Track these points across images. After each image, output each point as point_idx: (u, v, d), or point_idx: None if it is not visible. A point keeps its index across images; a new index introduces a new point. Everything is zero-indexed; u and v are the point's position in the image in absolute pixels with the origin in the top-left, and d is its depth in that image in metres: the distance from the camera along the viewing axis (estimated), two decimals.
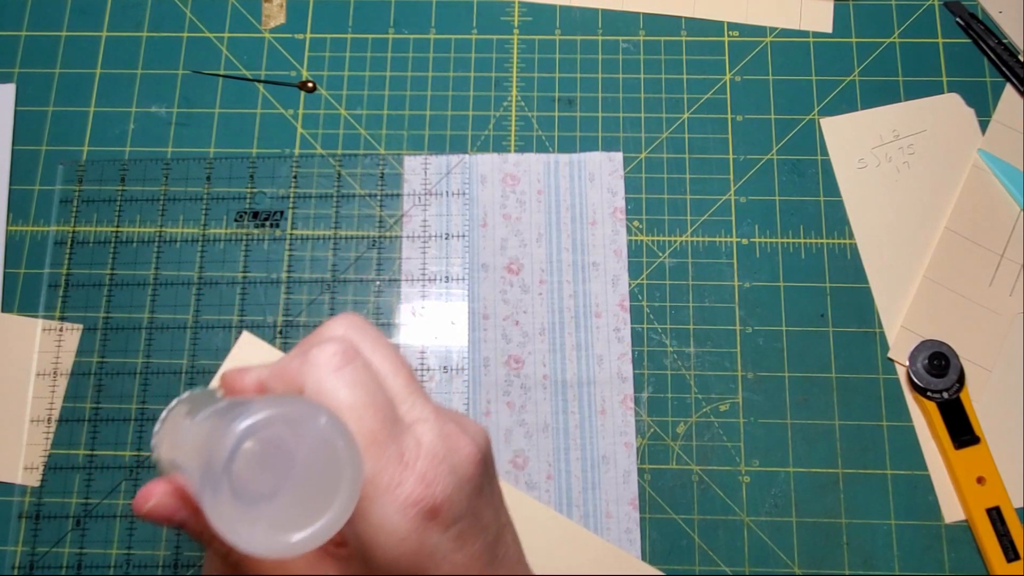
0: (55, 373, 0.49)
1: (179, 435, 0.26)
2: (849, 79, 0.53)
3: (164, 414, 0.31)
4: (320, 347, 0.25)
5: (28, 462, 0.48)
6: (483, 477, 0.26)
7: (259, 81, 0.53)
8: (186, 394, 0.32)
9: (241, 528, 0.21)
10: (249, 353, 0.36)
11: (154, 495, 0.27)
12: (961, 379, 0.47)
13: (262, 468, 0.21)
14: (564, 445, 0.47)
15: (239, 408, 0.21)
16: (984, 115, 0.52)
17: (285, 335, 0.49)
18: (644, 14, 0.54)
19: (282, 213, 0.51)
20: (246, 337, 0.36)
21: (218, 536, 0.25)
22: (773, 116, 0.52)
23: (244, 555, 0.26)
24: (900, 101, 0.52)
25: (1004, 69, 0.52)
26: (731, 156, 0.51)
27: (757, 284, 0.50)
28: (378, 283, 0.50)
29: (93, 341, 0.49)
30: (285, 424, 0.22)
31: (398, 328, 0.49)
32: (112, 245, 0.51)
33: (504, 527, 0.28)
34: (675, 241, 0.50)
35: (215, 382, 0.34)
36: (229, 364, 0.35)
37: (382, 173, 0.52)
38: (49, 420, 0.48)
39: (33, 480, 0.47)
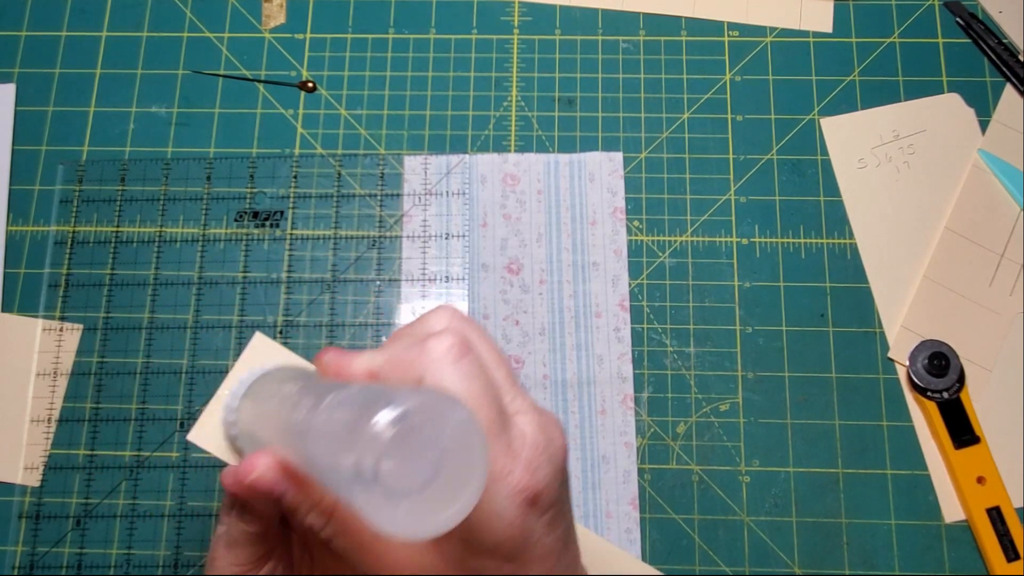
0: (55, 373, 0.49)
1: (292, 417, 0.27)
2: (849, 79, 0.53)
3: (239, 388, 0.32)
4: (437, 339, 0.27)
5: (28, 462, 0.48)
6: (567, 467, 0.28)
7: (259, 81, 0.53)
8: (258, 369, 0.33)
9: (387, 514, 0.22)
10: (262, 353, 0.36)
11: (257, 468, 0.28)
12: (961, 379, 0.47)
13: (406, 457, 0.22)
14: None
15: (383, 398, 0.22)
16: (984, 115, 0.52)
17: (285, 335, 0.49)
18: (644, 14, 0.54)
19: (282, 213, 0.51)
20: (259, 337, 0.36)
21: (312, 512, 0.27)
22: (773, 116, 0.52)
23: (340, 529, 0.28)
24: (900, 101, 0.52)
25: (1004, 69, 0.52)
26: (731, 156, 0.51)
27: (757, 284, 0.50)
28: (378, 283, 0.50)
29: (93, 341, 0.49)
30: (425, 415, 0.22)
31: (398, 328, 0.49)
32: (112, 245, 0.51)
33: (572, 514, 0.30)
34: (675, 241, 0.50)
35: (244, 368, 0.35)
36: (242, 364, 0.36)
37: (382, 173, 0.52)
38: (49, 420, 0.48)
39: (33, 480, 0.47)
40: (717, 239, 0.50)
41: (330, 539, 0.28)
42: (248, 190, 0.51)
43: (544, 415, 0.28)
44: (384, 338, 0.49)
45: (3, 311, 0.50)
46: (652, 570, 0.45)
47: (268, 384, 0.31)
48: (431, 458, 0.22)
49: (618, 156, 0.51)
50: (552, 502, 0.27)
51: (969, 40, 0.53)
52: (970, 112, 0.52)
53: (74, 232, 0.51)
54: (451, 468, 0.23)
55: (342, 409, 0.24)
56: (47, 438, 0.48)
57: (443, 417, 0.23)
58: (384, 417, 0.22)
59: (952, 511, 0.46)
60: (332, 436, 0.23)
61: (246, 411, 0.31)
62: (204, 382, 0.48)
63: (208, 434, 0.34)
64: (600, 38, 0.54)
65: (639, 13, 0.54)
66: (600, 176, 0.51)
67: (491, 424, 0.26)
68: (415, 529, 0.22)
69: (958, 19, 0.53)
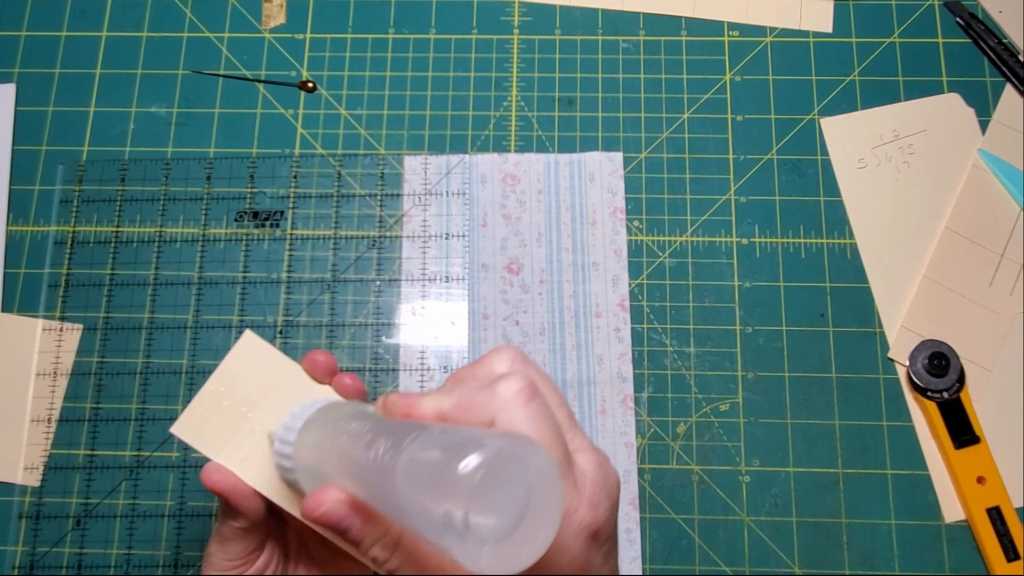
0: (55, 373, 0.49)
1: (366, 455, 0.27)
2: (849, 79, 0.53)
3: (292, 421, 0.32)
4: (506, 381, 0.28)
5: (28, 462, 0.48)
6: (619, 500, 0.30)
7: (259, 81, 0.53)
8: (312, 402, 0.33)
9: (475, 557, 0.22)
10: (251, 352, 0.36)
11: (325, 502, 0.29)
12: (961, 379, 0.47)
13: (494, 502, 0.23)
14: None
15: (469, 442, 0.23)
16: (984, 115, 0.52)
17: (285, 335, 0.49)
18: (644, 14, 0.54)
19: (282, 213, 0.51)
20: (249, 335, 0.36)
21: (377, 545, 0.28)
22: (773, 116, 0.52)
23: (403, 561, 0.29)
24: (900, 101, 0.52)
25: (1004, 69, 0.52)
26: (731, 156, 0.51)
27: (757, 284, 0.50)
28: (378, 283, 0.50)
29: (93, 341, 0.49)
30: (510, 459, 0.23)
31: (398, 328, 0.49)
32: (112, 245, 0.51)
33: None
34: (675, 241, 0.50)
35: (232, 365, 0.35)
36: (232, 362, 0.36)
37: (382, 173, 0.52)
38: (49, 420, 0.48)
39: (33, 480, 0.47)
40: (717, 239, 0.50)
41: (393, 571, 0.29)
42: (248, 190, 0.51)
43: (599, 452, 0.29)
44: (384, 338, 0.49)
45: (3, 311, 0.50)
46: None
47: (330, 421, 0.31)
48: (517, 502, 0.23)
49: (618, 156, 0.51)
50: (609, 535, 0.28)
51: (969, 40, 0.53)
52: (970, 112, 0.52)
53: (74, 232, 0.51)
54: (534, 510, 0.23)
55: (427, 451, 0.24)
56: (47, 438, 0.48)
57: (526, 461, 0.23)
58: (472, 461, 0.22)
59: (952, 511, 0.46)
60: (419, 479, 0.24)
61: (305, 445, 0.32)
62: (204, 382, 0.48)
63: (191, 428, 0.35)
64: (600, 38, 0.54)
65: (639, 13, 0.54)
66: (600, 176, 0.51)
67: (560, 464, 0.27)
68: (500, 567, 0.23)
69: (958, 19, 0.53)
